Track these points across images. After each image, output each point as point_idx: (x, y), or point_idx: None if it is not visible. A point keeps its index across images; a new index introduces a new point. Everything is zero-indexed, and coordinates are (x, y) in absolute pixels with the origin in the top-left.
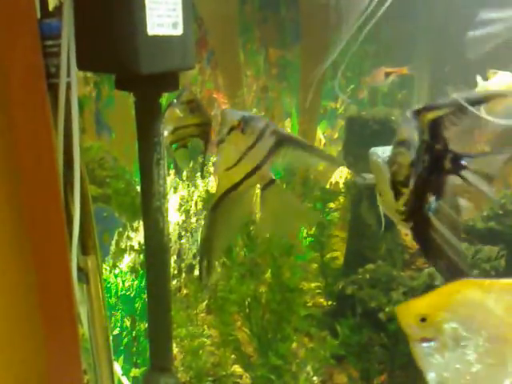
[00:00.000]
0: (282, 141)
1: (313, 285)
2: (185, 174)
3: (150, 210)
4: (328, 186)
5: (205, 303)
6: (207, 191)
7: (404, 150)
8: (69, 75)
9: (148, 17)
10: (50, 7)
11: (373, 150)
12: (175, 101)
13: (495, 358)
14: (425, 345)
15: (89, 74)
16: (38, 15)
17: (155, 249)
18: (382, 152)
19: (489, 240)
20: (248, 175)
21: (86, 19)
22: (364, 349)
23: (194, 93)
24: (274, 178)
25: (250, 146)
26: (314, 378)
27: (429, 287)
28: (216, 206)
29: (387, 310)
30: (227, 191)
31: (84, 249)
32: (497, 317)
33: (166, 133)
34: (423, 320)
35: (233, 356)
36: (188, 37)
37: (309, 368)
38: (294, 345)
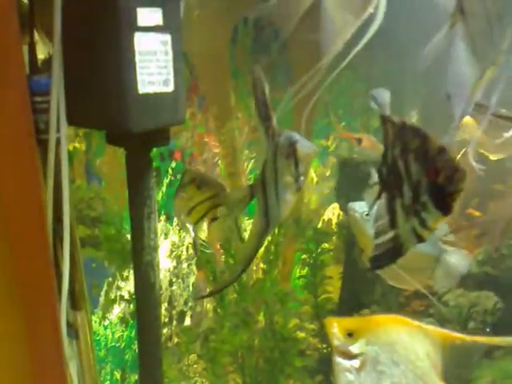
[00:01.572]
0: None
1: (306, 331)
2: (175, 219)
3: (140, 264)
4: (320, 224)
5: (196, 354)
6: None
7: None
8: (58, 131)
9: (139, 75)
10: (39, 59)
11: (350, 204)
12: (178, 186)
13: None
14: (346, 361)
15: None
16: (27, 71)
17: (146, 301)
18: (359, 207)
19: (484, 285)
20: None
21: (75, 76)
22: None
23: (193, 170)
24: None
25: None
26: None
27: None
28: None
29: None
30: None
31: (74, 304)
32: (417, 358)
33: (182, 217)
34: (350, 335)
35: None
36: (179, 92)
37: None
38: None
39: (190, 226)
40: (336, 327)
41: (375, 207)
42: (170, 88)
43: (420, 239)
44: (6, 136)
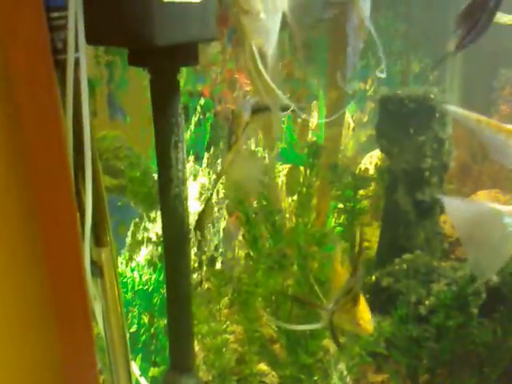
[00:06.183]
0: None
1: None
2: (205, 160)
3: (168, 197)
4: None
5: (228, 298)
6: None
7: None
8: (77, 50)
9: None
10: None
11: None
12: None
13: None
14: None
15: (100, 53)
16: None
17: (174, 239)
18: None
19: None
20: None
21: None
22: (403, 345)
23: None
24: None
25: None
26: (348, 377)
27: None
28: None
29: (427, 303)
30: None
31: (97, 240)
32: None
33: None
34: None
35: (258, 353)
36: (208, 4)
37: (341, 366)
38: (325, 341)
39: None
40: None
41: None
42: None
43: None
44: (21, 55)
